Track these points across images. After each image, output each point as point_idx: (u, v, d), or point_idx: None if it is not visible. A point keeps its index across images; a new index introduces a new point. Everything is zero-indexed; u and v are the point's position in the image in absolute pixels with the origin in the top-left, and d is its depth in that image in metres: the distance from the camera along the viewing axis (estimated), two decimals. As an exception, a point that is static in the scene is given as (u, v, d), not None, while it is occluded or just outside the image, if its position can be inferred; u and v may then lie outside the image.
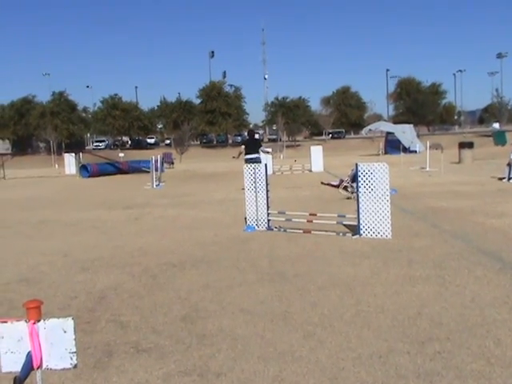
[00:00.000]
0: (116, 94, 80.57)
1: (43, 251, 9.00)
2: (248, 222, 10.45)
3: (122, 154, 37.30)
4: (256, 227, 10.29)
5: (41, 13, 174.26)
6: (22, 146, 76.11)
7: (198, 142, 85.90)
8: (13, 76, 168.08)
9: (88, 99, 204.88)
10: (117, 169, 31.41)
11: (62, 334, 2.32)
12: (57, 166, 45.78)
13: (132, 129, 78.66)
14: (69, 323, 2.35)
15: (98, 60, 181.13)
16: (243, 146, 17.65)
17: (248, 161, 16.51)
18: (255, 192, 10.32)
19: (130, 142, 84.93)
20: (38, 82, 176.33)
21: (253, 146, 17.53)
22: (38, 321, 2.32)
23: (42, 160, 60.66)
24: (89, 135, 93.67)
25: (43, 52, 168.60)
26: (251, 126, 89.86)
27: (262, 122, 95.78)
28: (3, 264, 8.14)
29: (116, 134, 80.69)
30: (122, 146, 79.99)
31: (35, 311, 2.32)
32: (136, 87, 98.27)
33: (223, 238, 9.52)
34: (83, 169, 30.87)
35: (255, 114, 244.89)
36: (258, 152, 17.40)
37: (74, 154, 36.96)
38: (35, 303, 2.35)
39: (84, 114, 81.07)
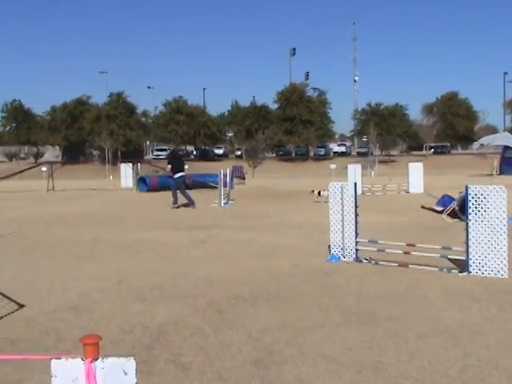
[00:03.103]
0: (180, 97, 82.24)
1: (95, 276, 9.27)
2: (332, 250, 10.39)
3: (185, 166, 37.96)
4: (342, 257, 10.22)
5: (98, 5, 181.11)
6: (74, 154, 78.83)
7: (274, 155, 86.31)
8: (67, 74, 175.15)
9: (148, 102, 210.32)
10: (179, 183, 32.00)
11: (121, 375, 2.38)
12: (111, 177, 47.13)
13: (198, 137, 79.98)
14: (130, 364, 2.40)
15: (161, 58, 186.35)
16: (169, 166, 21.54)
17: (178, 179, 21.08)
18: (341, 216, 10.27)
19: (194, 152, 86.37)
20: (94, 81, 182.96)
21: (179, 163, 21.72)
22: (96, 359, 2.39)
23: (95, 170, 62.69)
24: (148, 143, 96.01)
25: (100, 48, 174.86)
26: (337, 136, 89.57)
27: (350, 132, 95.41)
28: (50, 289, 8.45)
29: (179, 143, 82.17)
30: (186, 157, 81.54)
31: (93, 348, 2.39)
32: (204, 89, 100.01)
33: (303, 268, 9.51)
34: (141, 181, 31.63)
35: (342, 123, 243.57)
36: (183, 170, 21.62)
37: (131, 165, 37.87)
38: (93, 339, 2.41)
39: (144, 119, 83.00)
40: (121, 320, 6.80)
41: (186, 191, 21.36)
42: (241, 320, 6.68)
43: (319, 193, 21.54)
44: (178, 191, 21.01)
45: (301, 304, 7.29)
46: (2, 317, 7.00)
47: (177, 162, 21.86)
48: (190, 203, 20.86)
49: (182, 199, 20.86)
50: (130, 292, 8.14)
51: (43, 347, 5.87)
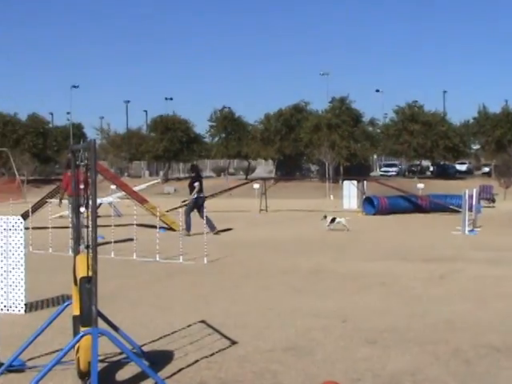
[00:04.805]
0: (415, 102, 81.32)
1: (316, 312, 9.49)
2: None
3: (421, 185, 37.55)
4: None
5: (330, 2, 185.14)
6: (289, 169, 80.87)
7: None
8: (283, 77, 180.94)
9: (377, 108, 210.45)
10: (413, 204, 31.72)
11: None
12: (332, 196, 47.81)
13: (436, 150, 78.43)
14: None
15: (389, 55, 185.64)
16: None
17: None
18: None
19: (431, 168, 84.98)
20: (314, 84, 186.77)
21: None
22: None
23: (313, 188, 63.78)
24: (375, 157, 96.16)
25: (321, 46, 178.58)
26: None
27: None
28: (265, 325, 8.78)
29: (412, 157, 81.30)
30: (421, 174, 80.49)
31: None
32: (444, 92, 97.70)
33: None
34: (368, 202, 31.77)
35: None
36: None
37: (355, 182, 38.18)
38: None
39: (371, 128, 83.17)
40: (346, 365, 6.89)
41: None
42: (493, 375, 6.49)
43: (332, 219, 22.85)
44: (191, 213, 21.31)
45: None
46: (213, 354, 7.40)
47: (200, 180, 22.20)
48: (187, 230, 20.43)
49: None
50: (357, 333, 8.22)
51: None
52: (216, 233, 20.69)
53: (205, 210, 18.85)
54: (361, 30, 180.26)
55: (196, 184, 21.71)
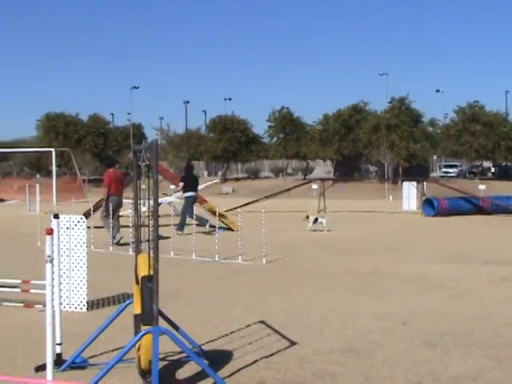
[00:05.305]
0: (476, 102, 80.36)
1: (375, 314, 9.45)
2: None
3: (482, 187, 37.01)
4: None
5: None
6: (347, 169, 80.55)
7: None
8: (342, 78, 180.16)
9: (437, 108, 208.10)
10: (474, 206, 31.29)
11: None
12: (391, 197, 47.52)
13: (497, 151, 77.42)
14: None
15: (449, 56, 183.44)
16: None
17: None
18: None
19: (493, 170, 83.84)
20: (373, 84, 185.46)
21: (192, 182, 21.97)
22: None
23: (372, 189, 63.38)
24: (435, 158, 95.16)
25: (379, 46, 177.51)
26: None
27: None
28: (324, 326, 8.78)
29: (473, 158, 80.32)
30: (482, 175, 79.41)
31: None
32: (506, 92, 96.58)
33: None
34: (428, 204, 31.46)
35: None
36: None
37: (415, 183, 37.87)
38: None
39: (431, 129, 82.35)
40: (407, 368, 6.85)
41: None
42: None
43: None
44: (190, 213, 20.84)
45: None
46: (272, 354, 7.43)
47: (190, 179, 22.26)
48: (180, 228, 20.61)
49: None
50: (417, 336, 8.16)
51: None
52: (208, 232, 20.58)
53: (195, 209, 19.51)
54: (421, 29, 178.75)
55: (181, 184, 22.00)
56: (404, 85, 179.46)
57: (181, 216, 21.46)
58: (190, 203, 21.18)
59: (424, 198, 32.91)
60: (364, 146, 74.23)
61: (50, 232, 6.14)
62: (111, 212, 17.91)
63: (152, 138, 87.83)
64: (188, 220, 20.82)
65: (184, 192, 21.73)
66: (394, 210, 34.43)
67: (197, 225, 19.47)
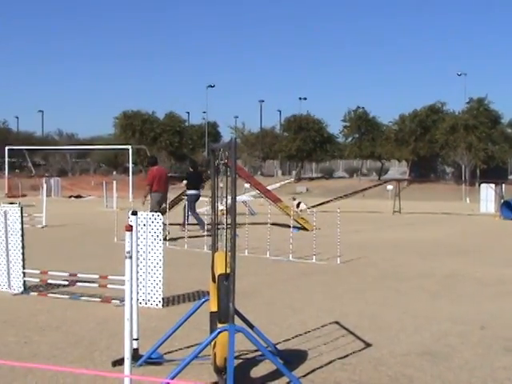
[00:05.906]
0: (559, 102, 78.69)
1: (452, 317, 9.31)
2: None
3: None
4: None
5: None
6: (423, 170, 79.66)
7: None
8: (419, 78, 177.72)
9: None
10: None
11: None
12: (468, 200, 46.81)
13: None
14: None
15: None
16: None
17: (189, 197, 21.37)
18: None
19: None
20: (451, 84, 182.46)
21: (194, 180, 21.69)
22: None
23: (449, 190, 62.59)
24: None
25: (458, 46, 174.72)
26: None
27: None
28: (400, 328, 8.69)
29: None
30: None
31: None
32: None
33: None
34: (506, 207, 30.87)
35: None
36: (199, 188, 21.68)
37: (493, 185, 37.21)
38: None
39: (510, 130, 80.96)
40: (485, 373, 6.74)
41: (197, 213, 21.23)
42: None
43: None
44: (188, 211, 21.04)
45: None
46: (347, 355, 7.39)
47: (194, 176, 21.92)
48: (201, 227, 20.11)
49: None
50: (496, 341, 8.02)
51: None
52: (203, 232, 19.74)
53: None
54: (498, 30, 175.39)
55: (184, 182, 22.07)
56: (483, 85, 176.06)
57: (193, 217, 21.28)
58: (190, 201, 21.37)
59: (502, 201, 32.32)
60: (440, 147, 73.35)
61: (130, 229, 6.22)
62: (157, 207, 18.73)
63: (227, 137, 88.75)
64: (190, 220, 21.03)
65: (187, 190, 21.90)
66: (472, 212, 33.90)
67: (196, 224, 20.18)
